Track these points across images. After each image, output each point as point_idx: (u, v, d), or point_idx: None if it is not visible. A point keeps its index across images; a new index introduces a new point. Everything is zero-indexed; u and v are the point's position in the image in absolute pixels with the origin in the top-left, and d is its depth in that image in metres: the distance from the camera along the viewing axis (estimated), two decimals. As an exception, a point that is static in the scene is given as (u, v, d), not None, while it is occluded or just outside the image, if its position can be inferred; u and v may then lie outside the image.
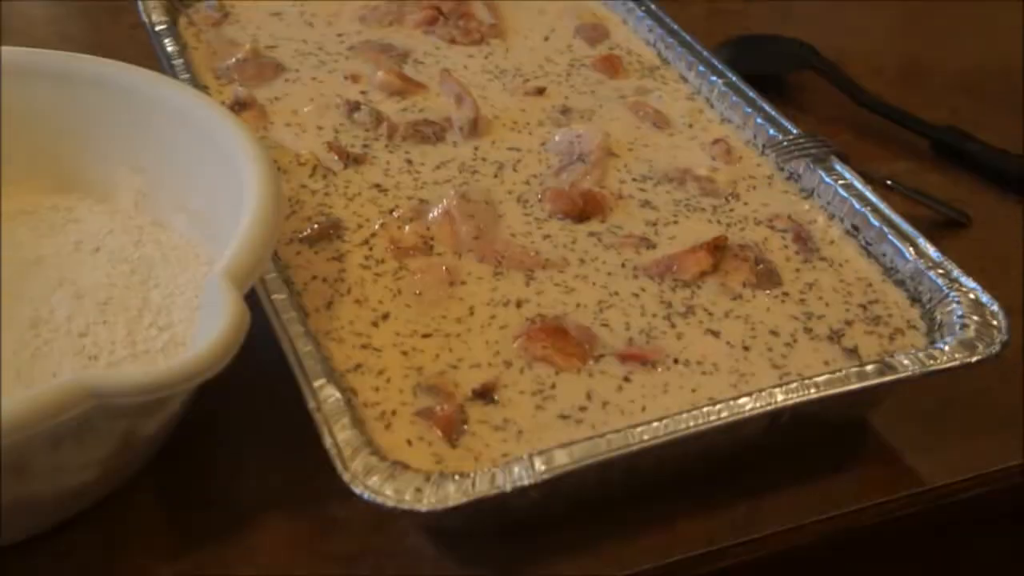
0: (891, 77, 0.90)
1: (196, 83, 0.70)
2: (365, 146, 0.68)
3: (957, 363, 0.52)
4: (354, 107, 0.70)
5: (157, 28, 0.75)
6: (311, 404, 0.48)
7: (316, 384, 0.49)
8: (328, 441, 0.47)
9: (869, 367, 0.52)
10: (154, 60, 0.72)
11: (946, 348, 0.53)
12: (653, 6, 0.81)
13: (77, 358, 0.51)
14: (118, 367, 0.51)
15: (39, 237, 0.59)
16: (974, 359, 0.52)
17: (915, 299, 0.59)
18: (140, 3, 0.76)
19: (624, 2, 0.83)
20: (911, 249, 0.60)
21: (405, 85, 0.73)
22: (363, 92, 0.73)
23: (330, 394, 0.49)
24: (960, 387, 0.60)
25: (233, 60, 0.74)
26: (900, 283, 0.60)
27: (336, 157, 0.66)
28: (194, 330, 0.53)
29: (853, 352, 0.56)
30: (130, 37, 0.87)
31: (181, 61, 0.72)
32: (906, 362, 0.52)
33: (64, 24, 0.90)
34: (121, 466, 0.50)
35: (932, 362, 0.52)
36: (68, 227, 0.60)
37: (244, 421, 0.56)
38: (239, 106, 0.69)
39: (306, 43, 0.77)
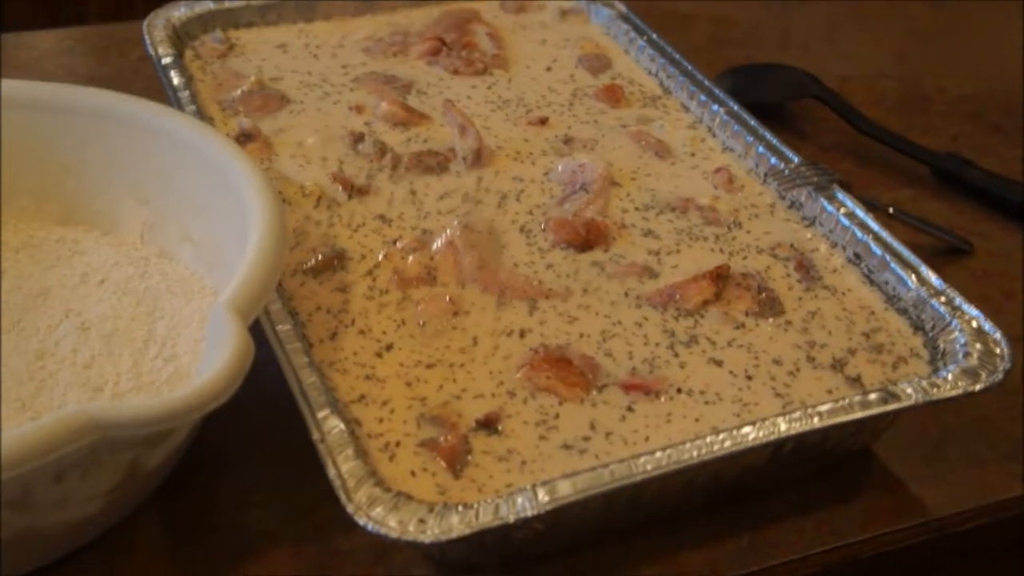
0: (892, 104, 0.91)
1: (202, 115, 0.70)
2: (369, 177, 0.68)
3: (960, 392, 0.52)
4: (358, 138, 0.70)
5: (163, 61, 0.75)
6: (315, 435, 0.48)
7: (320, 415, 0.49)
8: (332, 472, 0.47)
9: (872, 396, 0.52)
10: (161, 92, 0.72)
11: (949, 376, 0.53)
12: (654, 36, 0.82)
13: (82, 390, 0.51)
14: (123, 399, 0.51)
15: (45, 269, 0.59)
16: (977, 388, 0.52)
17: (918, 327, 0.59)
18: (147, 36, 0.77)
19: (626, 32, 0.83)
20: (913, 277, 0.60)
21: (409, 116, 0.73)
22: (367, 123, 0.73)
23: (334, 425, 0.49)
24: (963, 415, 0.60)
25: (238, 92, 0.74)
26: (903, 311, 0.60)
27: (340, 188, 0.66)
28: (199, 361, 0.53)
29: (856, 381, 0.56)
30: (137, 70, 0.87)
31: (187, 93, 0.72)
32: (909, 391, 0.52)
33: (71, 57, 0.90)
34: (125, 498, 0.50)
35: (935, 391, 0.52)
36: (74, 259, 0.60)
37: (248, 451, 0.56)
38: (244, 137, 0.70)
39: (311, 75, 0.78)
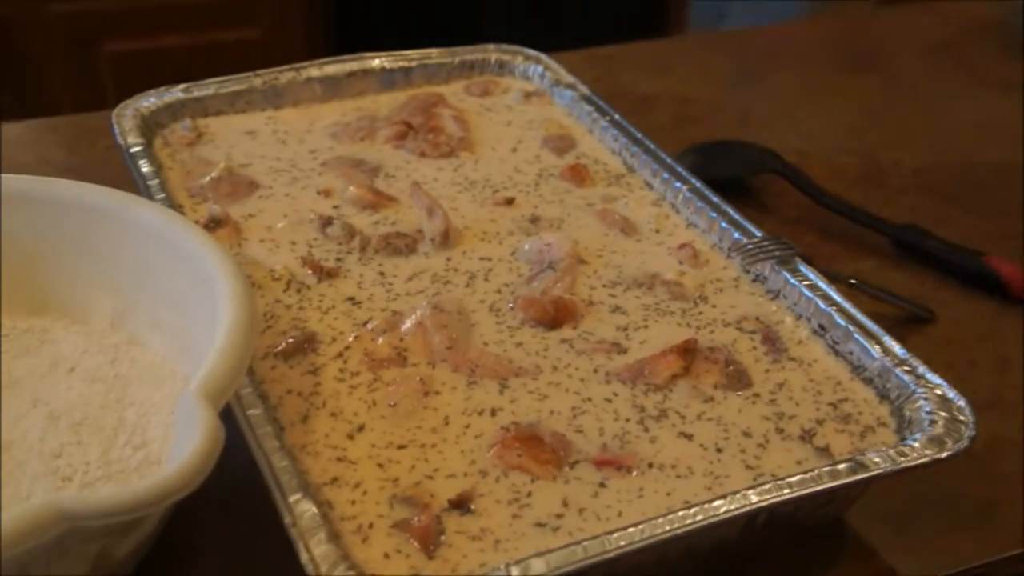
0: (851, 178, 0.92)
1: (171, 203, 0.70)
2: (339, 260, 0.68)
3: (927, 459, 0.52)
4: (327, 222, 0.71)
5: (132, 150, 0.75)
6: (287, 519, 0.48)
7: (292, 499, 0.49)
8: (304, 557, 0.46)
9: (841, 466, 0.52)
10: (130, 181, 0.72)
11: (916, 444, 0.53)
12: (617, 116, 0.83)
13: (50, 479, 0.51)
14: (92, 488, 0.50)
15: (13, 359, 0.58)
16: (943, 455, 0.53)
17: (884, 396, 0.59)
18: (116, 125, 0.77)
19: (589, 113, 0.84)
20: (877, 347, 0.60)
21: (377, 199, 0.74)
22: (336, 207, 0.74)
23: (306, 508, 0.49)
24: (932, 482, 0.60)
25: (207, 179, 0.75)
26: (868, 381, 0.60)
27: (310, 271, 0.67)
28: (169, 448, 0.52)
29: (825, 451, 0.56)
30: (106, 159, 0.88)
31: (156, 181, 0.72)
32: (877, 459, 0.52)
33: (42, 147, 0.91)
34: (94, 589, 0.49)
35: (903, 459, 0.52)
36: (43, 348, 0.59)
37: (219, 537, 0.56)
38: (214, 224, 0.70)
39: (279, 160, 0.79)
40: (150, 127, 0.79)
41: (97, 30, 1.82)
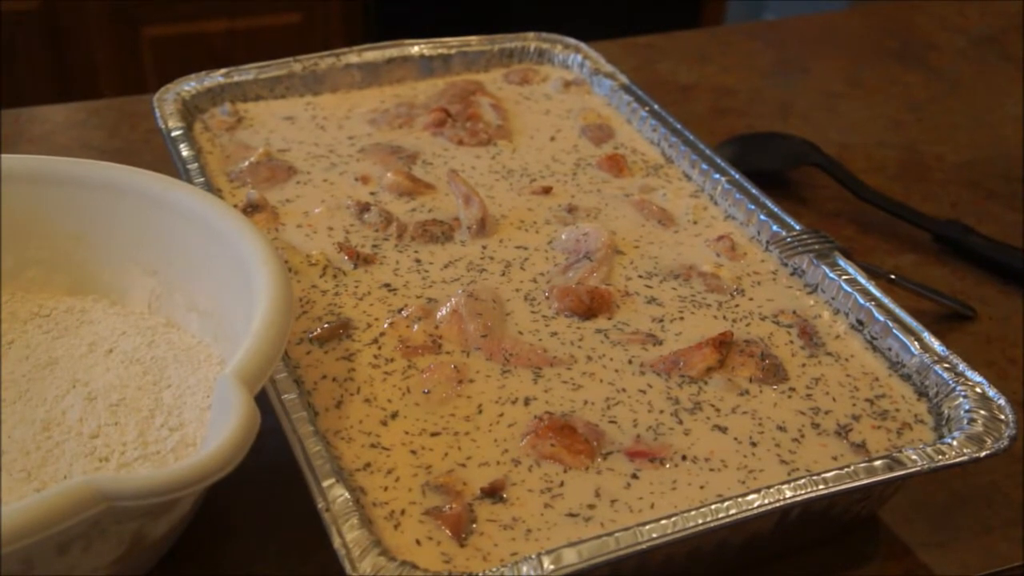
0: (892, 172, 0.91)
1: (210, 186, 0.71)
2: (375, 246, 0.69)
3: (965, 458, 0.52)
4: (364, 208, 0.71)
5: (173, 133, 0.76)
6: (320, 504, 0.48)
7: (325, 484, 0.49)
8: (337, 541, 0.47)
9: (877, 462, 0.51)
10: (170, 164, 0.73)
11: (954, 443, 0.53)
12: (656, 106, 0.82)
13: (88, 460, 0.51)
14: (129, 469, 0.51)
15: (53, 339, 0.59)
16: (982, 454, 0.52)
17: (922, 393, 0.58)
18: (156, 109, 0.78)
19: (628, 103, 0.84)
20: (916, 343, 0.60)
21: (414, 186, 0.74)
22: (373, 193, 0.74)
23: (339, 494, 0.49)
24: (969, 481, 0.59)
25: (246, 163, 0.75)
26: (906, 377, 0.60)
27: (346, 257, 0.67)
28: (205, 430, 0.53)
29: (861, 447, 0.55)
30: (147, 142, 0.89)
31: (196, 165, 0.73)
32: (914, 457, 0.52)
33: (83, 130, 0.92)
34: (129, 569, 0.49)
35: (940, 457, 0.52)
36: (82, 328, 0.60)
37: (254, 520, 0.56)
38: (251, 208, 0.70)
39: (317, 146, 0.79)
40: (190, 111, 0.80)
41: (139, 14, 1.83)
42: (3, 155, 0.60)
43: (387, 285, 0.65)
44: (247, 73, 0.83)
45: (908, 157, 0.94)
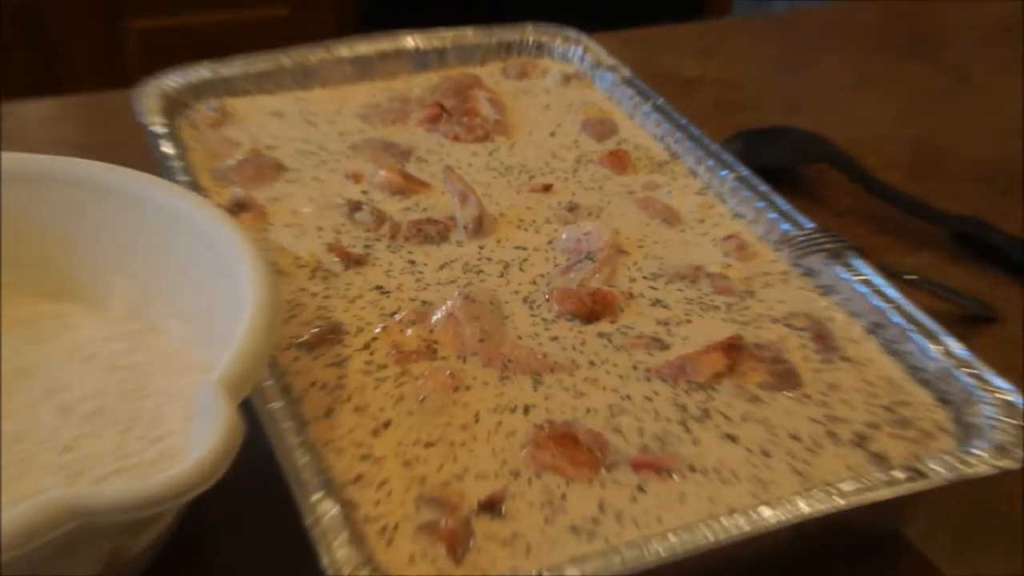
0: (906, 167, 0.90)
1: (194, 185, 0.70)
2: (367, 247, 0.67)
3: (994, 470, 0.50)
4: (355, 207, 0.70)
5: (155, 130, 0.75)
6: (307, 520, 0.47)
7: (313, 498, 0.48)
8: (325, 560, 0.46)
9: (898, 474, 0.50)
10: (152, 162, 0.72)
11: (981, 453, 0.51)
12: (660, 101, 0.81)
13: (62, 474, 0.50)
14: (106, 483, 0.50)
15: (29, 345, 0.58)
16: (1012, 465, 0.51)
17: (943, 400, 0.57)
18: (138, 104, 0.77)
19: (630, 97, 0.83)
20: (936, 347, 0.59)
21: (407, 184, 0.73)
22: (364, 192, 0.73)
23: (328, 508, 0.48)
24: (996, 492, 0.58)
25: (232, 161, 0.74)
26: (926, 383, 0.58)
27: (337, 258, 0.66)
28: (187, 441, 0.52)
29: (880, 457, 0.54)
30: (128, 139, 0.87)
31: (179, 163, 0.72)
32: (938, 468, 0.51)
33: (59, 126, 0.90)
34: (106, 589, 0.48)
35: (965, 468, 0.50)
36: (60, 335, 0.59)
37: (237, 537, 0.55)
38: (237, 208, 0.69)
39: (307, 142, 0.78)
40: (174, 106, 0.78)
41: (123, 6, 1.82)
42: (-26, 152, 0.59)
43: (379, 287, 0.64)
44: (234, 67, 0.82)
45: (922, 152, 0.93)
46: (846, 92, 1.03)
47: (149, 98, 0.78)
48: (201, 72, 0.81)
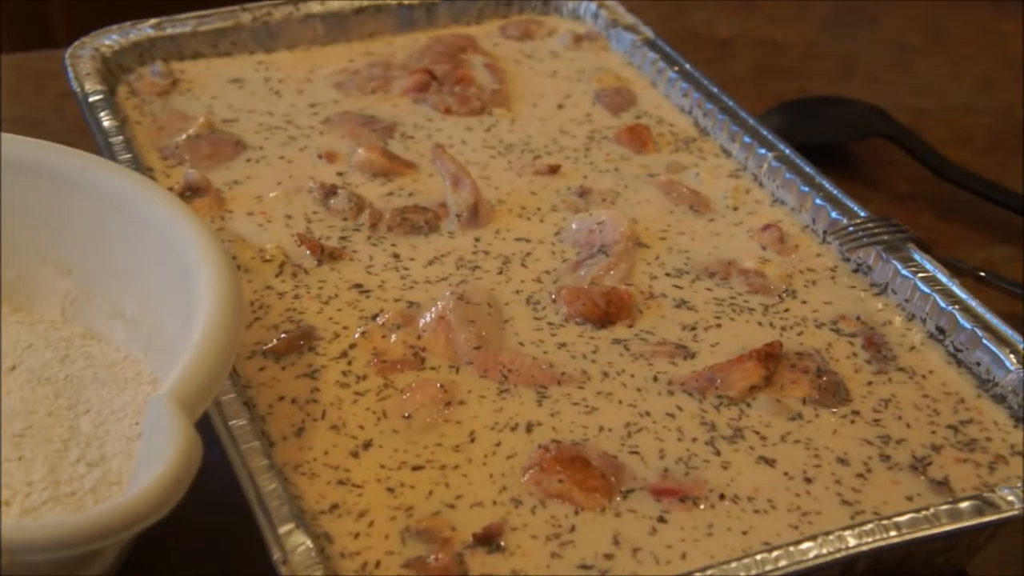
0: (981, 145, 0.91)
1: (138, 165, 0.71)
2: (343, 238, 0.69)
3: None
4: (330, 192, 0.71)
5: (91, 99, 0.76)
6: (275, 555, 0.48)
7: (282, 530, 0.49)
8: (296, 602, 0.47)
9: (964, 504, 0.51)
10: (88, 137, 0.73)
11: (1061, 481, 0.53)
12: (687, 66, 0.83)
13: (-16, 504, 0.51)
14: (36, 514, 0.51)
15: (-55, 354, 0.59)
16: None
17: (1019, 419, 0.59)
18: (70, 69, 0.78)
19: (653, 62, 0.84)
20: (1012, 356, 0.60)
21: (391, 164, 0.74)
22: (340, 174, 0.74)
23: (299, 542, 0.49)
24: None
25: (183, 136, 0.75)
26: (1000, 398, 0.60)
27: (308, 252, 0.67)
28: (133, 465, 0.53)
29: (943, 485, 0.55)
30: (58, 109, 0.89)
31: (120, 139, 0.73)
32: (1011, 498, 0.52)
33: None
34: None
35: (1044, 498, 0.52)
36: (-22, 341, 0.60)
37: (194, 573, 0.56)
38: (191, 192, 0.70)
39: (272, 115, 0.79)
40: (113, 72, 0.80)
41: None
42: None
43: (358, 286, 0.65)
44: (184, 25, 0.83)
45: (1002, 126, 0.94)
46: (911, 54, 1.04)
47: (82, 61, 0.79)
48: (144, 30, 0.83)
